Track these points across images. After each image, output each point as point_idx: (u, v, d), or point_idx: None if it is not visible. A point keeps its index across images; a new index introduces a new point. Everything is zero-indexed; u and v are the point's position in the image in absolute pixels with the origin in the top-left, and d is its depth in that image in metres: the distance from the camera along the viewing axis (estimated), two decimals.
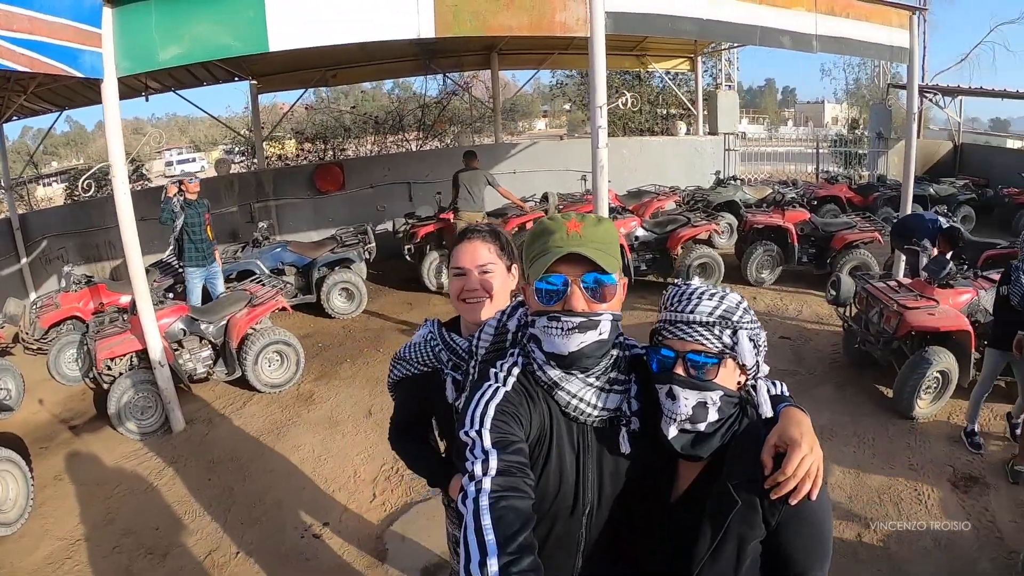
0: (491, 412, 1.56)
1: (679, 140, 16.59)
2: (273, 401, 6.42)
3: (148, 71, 5.29)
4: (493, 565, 1.24)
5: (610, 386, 1.66)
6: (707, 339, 1.52)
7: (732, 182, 13.50)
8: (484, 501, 1.35)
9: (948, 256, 7.03)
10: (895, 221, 9.01)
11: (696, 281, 1.63)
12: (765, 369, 1.64)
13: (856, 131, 21.63)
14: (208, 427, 5.98)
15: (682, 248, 9.66)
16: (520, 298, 1.92)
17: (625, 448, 1.66)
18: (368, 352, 7.62)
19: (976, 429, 5.38)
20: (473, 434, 1.52)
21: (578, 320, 1.56)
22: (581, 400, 1.63)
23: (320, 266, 8.84)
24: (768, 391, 1.63)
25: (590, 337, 1.57)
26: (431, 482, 2.40)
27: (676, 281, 1.68)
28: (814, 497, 1.44)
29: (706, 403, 1.52)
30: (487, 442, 1.49)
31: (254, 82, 13.06)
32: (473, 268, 2.13)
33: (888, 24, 8.35)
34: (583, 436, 1.67)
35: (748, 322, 1.56)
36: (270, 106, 16.91)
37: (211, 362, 6.54)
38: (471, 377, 1.96)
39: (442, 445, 2.49)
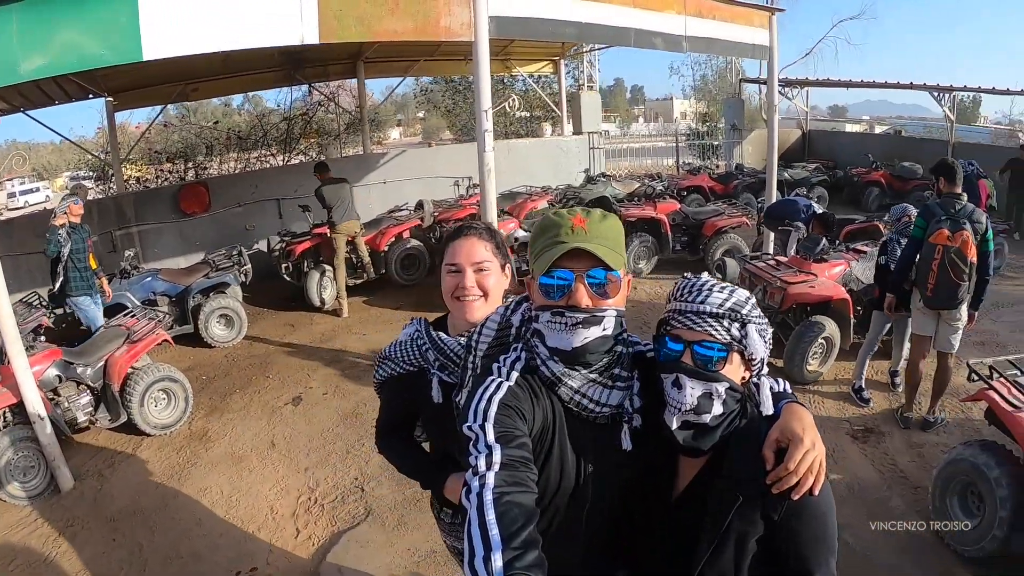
0: (494, 406, 1.55)
1: (545, 141, 16.91)
2: (166, 444, 5.92)
3: (6, 85, 4.73)
4: (498, 560, 1.24)
5: (613, 382, 1.65)
6: (717, 330, 1.53)
7: (601, 179, 13.79)
8: (488, 496, 1.35)
9: (804, 230, 8.01)
10: (769, 205, 9.73)
11: (705, 275, 1.64)
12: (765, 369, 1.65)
13: (708, 124, 22.61)
14: (100, 481, 5.40)
15: None
16: (523, 293, 1.89)
17: (627, 445, 1.66)
18: (257, 379, 7.20)
19: (863, 385, 6.20)
20: (476, 428, 1.52)
21: (582, 316, 1.56)
22: (584, 396, 1.63)
23: (195, 293, 8.27)
24: (771, 388, 1.64)
25: (594, 333, 1.58)
26: (424, 484, 2.32)
27: (687, 274, 1.68)
28: (816, 492, 1.44)
29: (711, 394, 1.52)
30: (490, 436, 1.48)
31: (110, 99, 12.07)
32: (469, 265, 2.09)
33: (750, 24, 8.88)
34: (585, 432, 1.66)
35: (756, 317, 1.57)
36: (121, 125, 15.81)
37: (92, 409, 5.88)
38: (471, 372, 1.90)
39: (426, 447, 2.44)
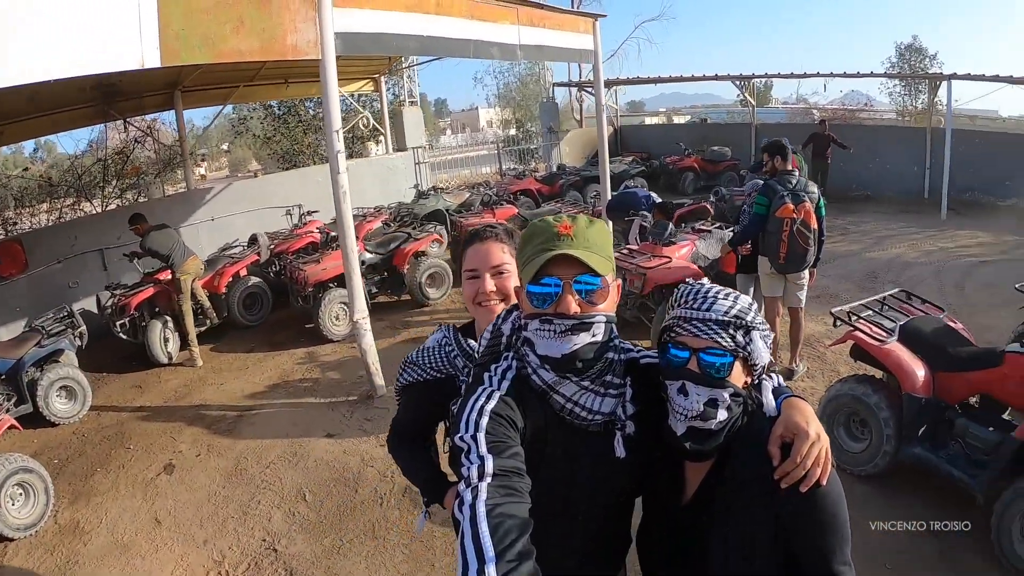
0: (485, 417, 1.55)
1: (372, 160, 16.78)
2: (35, 546, 5.09)
3: None
4: (492, 573, 1.22)
5: (605, 390, 1.65)
6: (722, 337, 1.53)
7: (432, 192, 13.75)
8: (481, 508, 1.33)
9: (651, 218, 8.64)
10: (611, 199, 10.33)
11: (706, 281, 1.64)
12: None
13: (525, 129, 23.13)
14: None
15: (409, 263, 9.78)
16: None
17: (620, 452, 1.66)
18: (118, 453, 6.43)
19: None
20: (468, 439, 1.51)
21: (571, 322, 1.56)
22: (576, 404, 1.63)
23: (28, 366, 7.13)
24: (770, 387, 1.66)
25: (583, 339, 1.57)
26: (423, 492, 2.31)
27: (688, 280, 1.69)
28: (824, 482, 1.47)
29: (717, 400, 1.53)
30: (482, 447, 1.48)
31: None
32: (487, 270, 2.07)
33: (577, 31, 9.37)
34: (578, 440, 1.66)
35: (760, 323, 1.59)
36: None
37: None
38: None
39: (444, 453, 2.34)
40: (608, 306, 1.63)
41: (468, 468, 1.45)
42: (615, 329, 1.69)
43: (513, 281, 2.08)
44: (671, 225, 7.98)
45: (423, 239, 10.12)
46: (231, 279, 9.60)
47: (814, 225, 6.08)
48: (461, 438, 1.53)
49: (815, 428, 1.52)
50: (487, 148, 23.71)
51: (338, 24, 5.93)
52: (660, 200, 9.39)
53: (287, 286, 9.58)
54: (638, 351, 1.81)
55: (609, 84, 20.49)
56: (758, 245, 6.38)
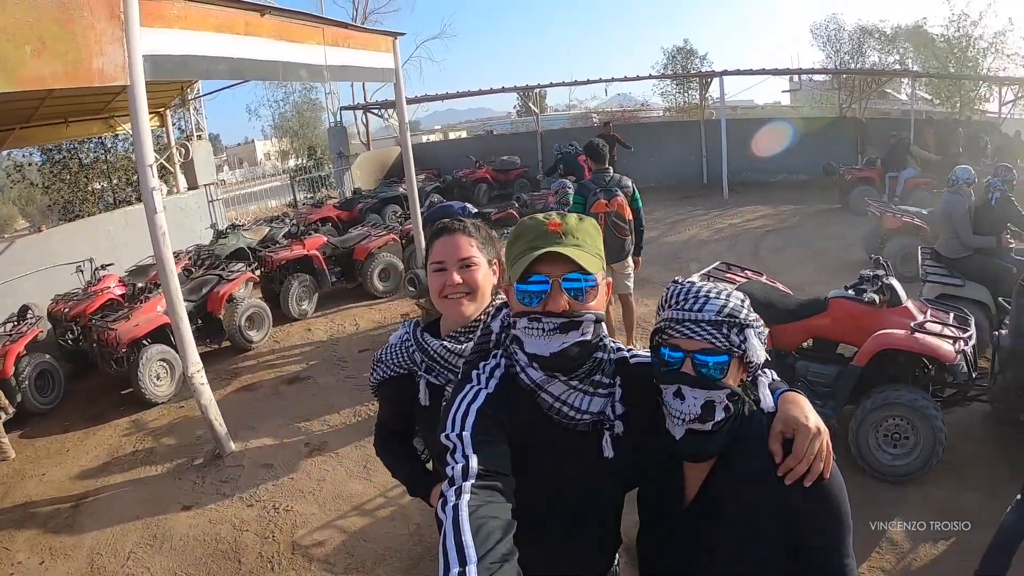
0: (472, 415, 1.54)
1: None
2: None
3: None
4: (473, 574, 1.19)
5: (594, 389, 1.64)
6: (716, 338, 1.50)
7: (231, 230, 13.04)
8: (464, 507, 1.31)
9: None
10: (428, 215, 10.40)
11: (696, 279, 1.61)
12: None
13: (315, 157, 22.52)
14: None
15: (225, 307, 9.10)
16: (503, 298, 1.88)
17: (608, 452, 1.66)
18: None
19: None
20: (454, 438, 1.50)
21: (560, 321, 1.54)
22: (564, 403, 1.62)
23: None
24: (766, 383, 1.64)
25: (572, 337, 1.55)
26: (410, 491, 2.32)
27: (678, 279, 1.66)
28: (827, 475, 1.48)
29: (714, 402, 1.50)
30: (468, 446, 1.47)
31: None
32: (454, 263, 2.04)
33: (378, 50, 9.30)
34: (566, 439, 1.65)
35: (754, 320, 1.56)
36: None
37: None
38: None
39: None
40: (598, 304, 1.61)
41: (453, 467, 1.43)
42: (605, 328, 1.66)
43: (480, 274, 2.06)
44: (494, 233, 7.96)
45: (236, 279, 9.45)
46: (15, 359, 7.94)
47: (629, 216, 6.62)
48: (447, 436, 1.51)
49: (814, 422, 1.51)
50: (279, 179, 22.73)
51: (146, 46, 5.31)
52: (476, 210, 9.69)
53: (89, 353, 8.43)
54: (628, 350, 1.80)
55: (384, 105, 20.42)
56: None
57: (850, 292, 5.44)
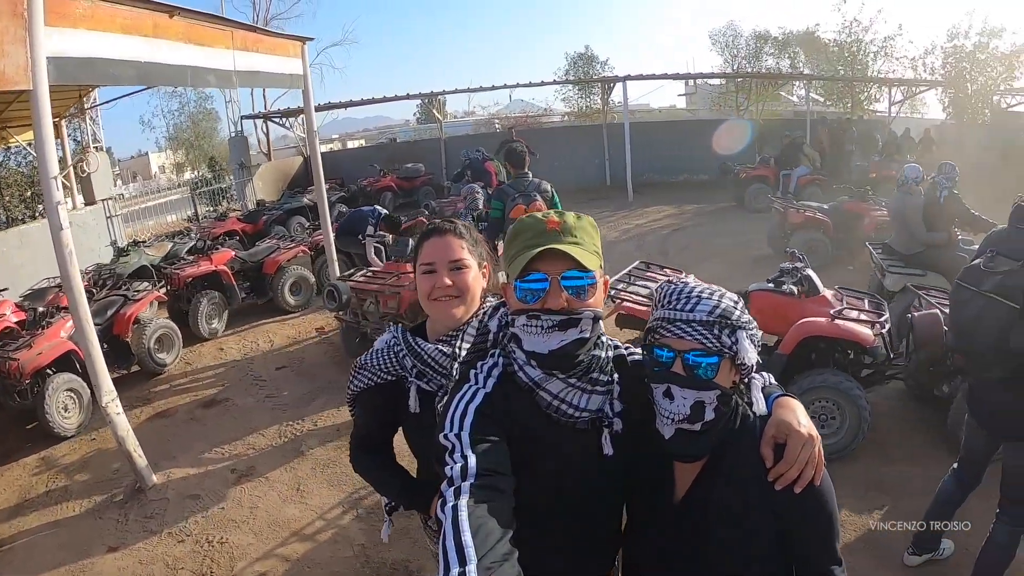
0: (471, 415, 1.54)
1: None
2: None
3: None
4: (472, 574, 1.18)
5: (592, 387, 1.63)
6: (707, 339, 1.50)
7: (132, 248, 12.22)
8: (463, 507, 1.31)
9: (390, 238, 8.79)
10: (340, 225, 10.47)
11: (691, 279, 1.69)
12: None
13: (216, 169, 21.81)
14: None
15: (132, 330, 8.53)
16: (501, 299, 1.90)
17: (608, 450, 1.65)
18: None
19: None
20: (452, 438, 1.50)
21: (558, 318, 1.54)
22: (563, 401, 1.61)
23: None
24: (760, 386, 1.64)
25: (570, 335, 1.55)
26: (406, 505, 2.26)
27: (672, 279, 1.69)
28: (818, 482, 1.49)
29: (704, 402, 1.51)
30: (467, 446, 1.46)
31: None
32: (444, 265, 2.01)
33: (287, 55, 8.97)
34: (565, 437, 1.64)
35: (746, 322, 1.56)
36: None
37: None
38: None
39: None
40: (596, 301, 1.61)
41: (451, 467, 1.43)
42: (603, 325, 1.66)
43: (470, 276, 2.02)
44: (411, 240, 7.89)
45: (142, 299, 8.85)
46: None
47: None
48: (445, 436, 1.51)
49: (807, 428, 1.52)
50: (177, 193, 21.75)
51: (51, 47, 4.86)
52: (386, 211, 9.77)
53: None
54: (626, 348, 1.80)
55: (298, 112, 19.93)
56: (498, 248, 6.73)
57: (770, 285, 5.72)
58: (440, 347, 2.02)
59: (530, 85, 20.00)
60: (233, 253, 10.84)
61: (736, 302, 1.56)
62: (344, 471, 5.74)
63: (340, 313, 7.72)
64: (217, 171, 21.81)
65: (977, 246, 5.04)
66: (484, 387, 1.62)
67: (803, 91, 25.61)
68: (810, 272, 5.72)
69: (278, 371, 8.26)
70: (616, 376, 1.69)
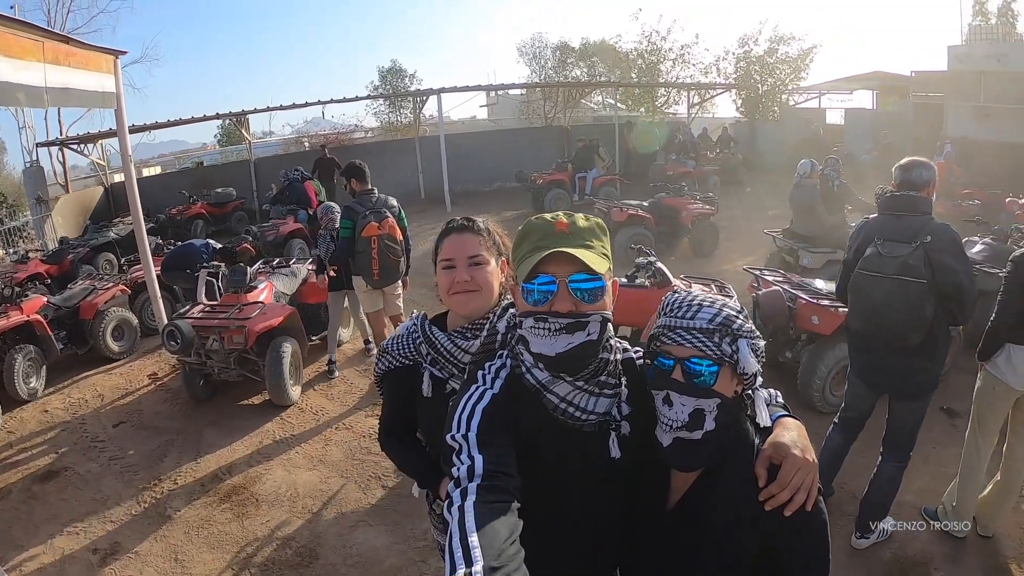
0: (478, 416, 1.55)
1: None
2: None
3: None
4: (479, 575, 1.21)
5: (600, 390, 1.65)
6: (707, 346, 1.53)
7: None
8: (470, 508, 1.33)
9: (225, 268, 8.25)
10: (166, 259, 9.68)
11: (696, 289, 1.74)
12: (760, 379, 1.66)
13: (7, 205, 19.96)
14: None
15: None
16: (510, 299, 1.93)
17: (615, 453, 1.66)
18: None
19: (334, 358, 7.95)
20: (460, 438, 1.51)
21: (566, 321, 1.54)
22: (570, 404, 1.62)
23: None
24: (765, 400, 1.67)
25: (578, 338, 1.55)
26: (420, 483, 2.35)
27: (676, 288, 1.79)
28: (809, 507, 1.50)
29: (703, 410, 1.53)
30: (473, 447, 1.48)
31: None
32: (463, 260, 2.08)
33: (100, 70, 8.05)
34: (572, 440, 1.65)
35: (748, 331, 1.57)
36: None
37: None
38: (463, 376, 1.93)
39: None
40: (604, 305, 1.60)
41: (458, 468, 1.44)
42: (611, 328, 1.65)
43: (488, 271, 2.09)
44: (248, 268, 7.59)
45: None
46: None
47: (399, 237, 6.47)
48: (453, 437, 1.52)
49: (803, 451, 1.53)
50: None
51: None
52: (220, 245, 9.24)
53: None
54: (635, 351, 1.80)
55: (98, 138, 18.63)
56: (348, 266, 6.73)
57: (623, 279, 6.13)
58: (452, 338, 2.10)
59: (344, 100, 19.81)
60: (45, 299, 9.76)
61: (739, 312, 1.58)
62: (223, 529, 5.14)
63: (185, 357, 7.03)
64: (10, 207, 19.95)
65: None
66: (491, 388, 1.62)
67: (600, 98, 27.23)
68: (660, 264, 6.22)
69: (116, 428, 7.11)
70: (624, 379, 1.71)
